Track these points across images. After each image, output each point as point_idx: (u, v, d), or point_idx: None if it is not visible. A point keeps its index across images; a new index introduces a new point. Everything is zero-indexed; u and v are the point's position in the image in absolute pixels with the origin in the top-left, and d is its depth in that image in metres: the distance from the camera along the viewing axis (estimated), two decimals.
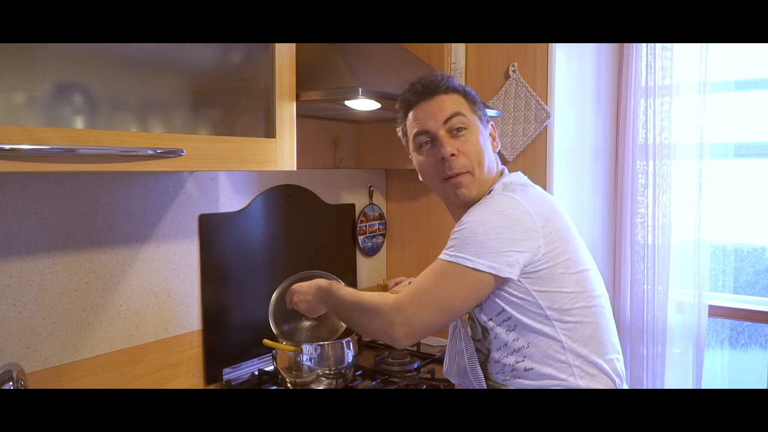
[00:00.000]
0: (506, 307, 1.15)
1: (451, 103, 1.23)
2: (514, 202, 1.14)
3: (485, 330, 1.19)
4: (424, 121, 1.23)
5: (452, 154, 1.20)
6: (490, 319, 1.18)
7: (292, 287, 1.41)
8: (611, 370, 1.18)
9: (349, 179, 2.06)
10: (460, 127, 1.22)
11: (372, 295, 1.22)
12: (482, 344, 1.21)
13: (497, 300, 1.15)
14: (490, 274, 1.09)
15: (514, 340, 1.16)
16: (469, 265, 1.09)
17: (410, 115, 1.26)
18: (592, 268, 1.23)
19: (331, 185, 1.99)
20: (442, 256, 1.14)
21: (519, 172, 1.30)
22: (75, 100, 1.01)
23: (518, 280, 1.12)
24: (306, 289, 1.37)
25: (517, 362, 1.16)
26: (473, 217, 1.14)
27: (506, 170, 1.30)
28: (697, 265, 2.09)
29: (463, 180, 1.21)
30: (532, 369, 1.15)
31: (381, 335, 1.19)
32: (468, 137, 1.22)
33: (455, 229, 1.15)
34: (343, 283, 1.39)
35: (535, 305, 1.13)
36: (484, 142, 1.24)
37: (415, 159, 1.28)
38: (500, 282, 1.12)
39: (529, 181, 1.27)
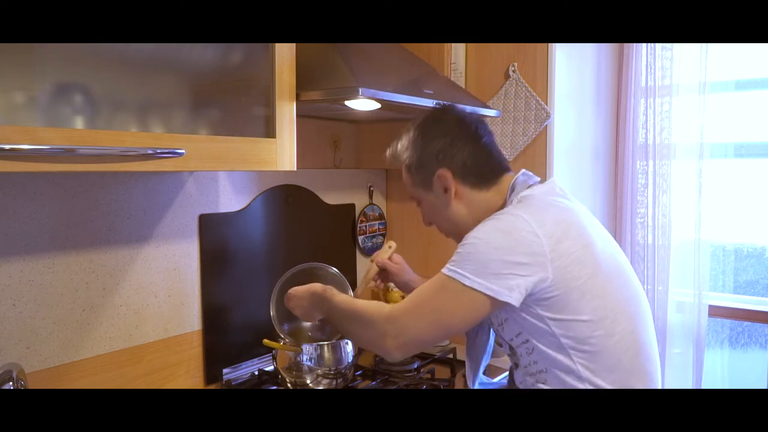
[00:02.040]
0: (523, 331, 1.11)
1: (405, 181, 1.28)
2: (523, 223, 1.07)
3: (512, 347, 1.18)
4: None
5: (429, 223, 1.28)
6: (511, 340, 1.15)
7: (288, 292, 1.39)
8: None
9: (349, 179, 2.06)
10: (418, 203, 1.28)
11: (367, 304, 1.19)
12: (513, 357, 1.20)
13: (514, 323, 1.12)
14: (487, 296, 1.04)
15: (533, 362, 1.13)
16: (467, 283, 1.04)
17: None
18: (621, 286, 1.13)
19: (331, 185, 1.99)
20: (443, 270, 1.09)
21: (537, 181, 1.21)
22: (75, 100, 1.00)
23: (531, 306, 1.07)
24: (301, 294, 1.35)
25: (536, 383, 1.14)
26: (479, 233, 1.09)
27: (520, 178, 1.20)
28: (697, 265, 2.10)
29: (450, 237, 1.25)
30: None
31: (373, 346, 1.16)
32: (426, 210, 1.27)
33: (462, 242, 1.10)
34: (340, 273, 1.39)
35: (549, 333, 1.07)
36: (439, 206, 1.22)
37: None
38: (501, 305, 1.06)
39: (551, 189, 1.19)
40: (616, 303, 1.10)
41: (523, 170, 1.23)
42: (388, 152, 1.29)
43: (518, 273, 1.03)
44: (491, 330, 1.27)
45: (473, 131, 1.21)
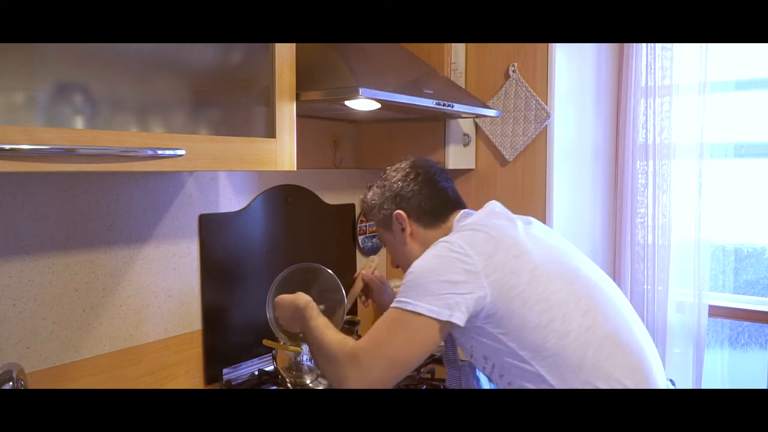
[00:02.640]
0: (488, 355, 1.14)
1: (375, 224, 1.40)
2: (454, 245, 1.13)
3: (488, 377, 1.21)
4: None
5: (396, 266, 1.38)
6: (484, 368, 1.18)
7: (276, 299, 1.41)
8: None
9: (349, 179, 2.06)
10: (384, 244, 1.40)
11: (333, 338, 1.19)
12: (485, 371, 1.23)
13: (479, 350, 1.15)
14: (431, 318, 1.08)
15: (508, 385, 1.15)
16: (410, 308, 1.09)
17: None
18: (567, 285, 1.14)
19: (331, 185, 1.99)
20: (392, 304, 1.14)
21: (479, 212, 1.28)
22: (75, 100, 1.00)
23: (483, 327, 1.11)
24: (286, 305, 1.36)
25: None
26: (417, 263, 1.15)
27: (462, 212, 1.30)
28: (697, 265, 2.10)
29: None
30: None
31: (335, 384, 1.17)
32: (389, 250, 1.39)
33: (404, 276, 1.17)
34: (335, 276, 1.45)
35: (507, 349, 1.10)
36: (398, 245, 1.33)
37: None
38: (448, 327, 1.09)
39: (489, 211, 1.27)
40: (562, 303, 1.11)
41: (465, 210, 1.32)
42: (361, 198, 1.42)
43: (456, 291, 1.08)
44: (476, 370, 1.29)
45: (430, 177, 1.32)
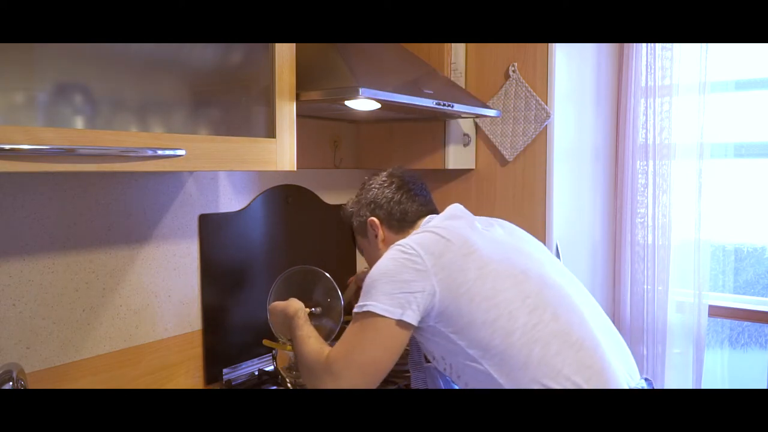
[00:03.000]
0: (444, 356, 1.17)
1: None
2: (405, 248, 1.17)
3: (452, 380, 1.24)
4: None
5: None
6: (444, 370, 1.20)
7: (271, 305, 1.43)
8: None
9: (349, 179, 2.06)
10: (362, 251, 1.47)
11: (312, 348, 1.22)
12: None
13: (438, 353, 1.18)
14: (387, 317, 1.11)
15: (466, 385, 1.18)
16: (367, 309, 1.13)
17: None
18: (517, 284, 1.15)
19: (331, 185, 1.99)
20: (354, 310, 1.17)
21: (440, 216, 1.32)
22: (75, 100, 1.00)
23: (435, 327, 1.14)
24: (278, 311, 1.38)
25: None
26: (373, 268, 1.19)
27: (426, 220, 1.34)
28: (697, 265, 2.10)
29: None
30: None
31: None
32: (365, 256, 1.44)
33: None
34: (332, 280, 1.47)
35: (459, 349, 1.13)
36: (371, 250, 1.39)
37: None
38: (404, 327, 1.12)
39: (448, 214, 1.30)
40: (509, 301, 1.13)
41: (431, 215, 1.35)
42: (342, 206, 1.50)
43: (407, 290, 1.12)
44: (443, 378, 1.30)
45: (404, 184, 1.38)
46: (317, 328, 1.54)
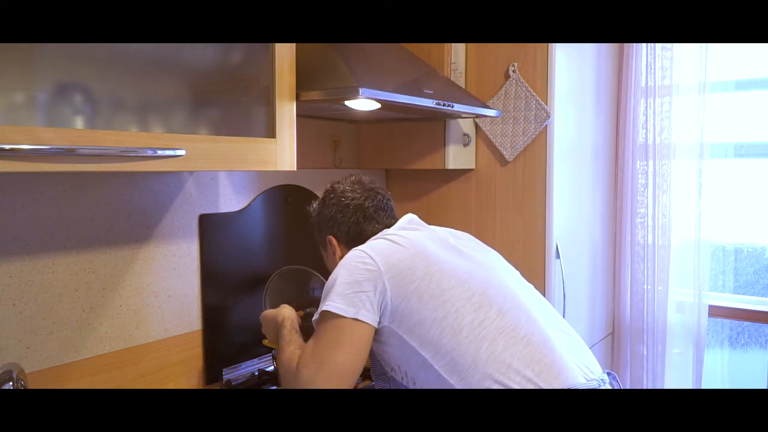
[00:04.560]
0: (400, 365, 1.18)
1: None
2: (358, 252, 1.21)
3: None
4: None
5: None
6: (402, 379, 1.20)
7: (262, 313, 1.43)
8: (530, 384, 1.09)
9: None
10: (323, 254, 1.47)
11: (288, 353, 1.22)
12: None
13: (394, 360, 1.19)
14: (345, 317, 1.13)
15: (414, 385, 1.18)
16: (326, 308, 1.14)
17: None
18: (463, 283, 1.17)
19: None
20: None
21: (396, 225, 1.34)
22: (75, 100, 1.01)
23: (390, 328, 1.15)
24: (269, 318, 1.39)
25: None
26: (329, 277, 1.21)
27: (380, 233, 1.34)
28: (697, 265, 2.10)
29: None
30: None
31: None
32: (326, 263, 1.45)
33: None
34: (321, 278, 1.47)
35: (412, 350, 1.14)
36: (330, 262, 1.40)
37: None
38: (362, 329, 1.14)
39: (400, 225, 1.33)
40: (456, 299, 1.15)
41: (385, 229, 1.35)
42: (307, 208, 1.49)
43: (360, 290, 1.15)
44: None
45: (362, 203, 1.37)
46: (310, 327, 1.55)
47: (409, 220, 1.37)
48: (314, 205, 1.46)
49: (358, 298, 1.14)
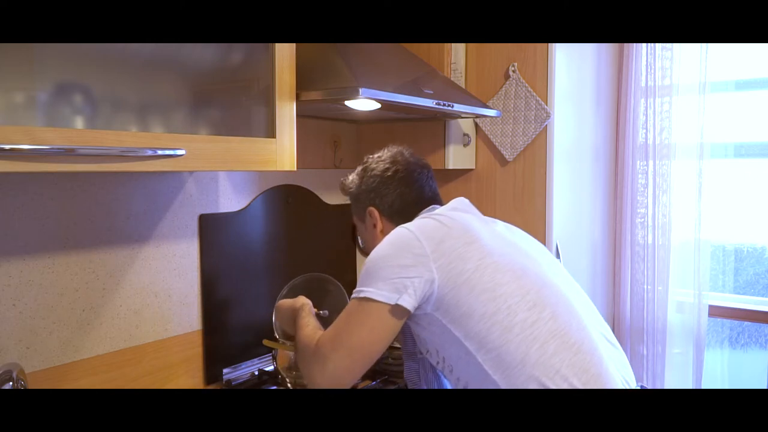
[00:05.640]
0: (438, 349, 1.15)
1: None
2: (405, 231, 1.15)
3: (439, 376, 1.23)
4: None
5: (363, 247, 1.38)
6: (438, 364, 1.18)
7: (277, 303, 1.41)
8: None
9: None
10: (355, 228, 1.44)
11: (306, 333, 1.20)
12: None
13: (431, 344, 1.16)
14: (382, 303, 1.09)
15: (457, 380, 1.15)
16: (363, 295, 1.10)
17: None
18: (516, 279, 1.13)
19: (331, 185, 1.99)
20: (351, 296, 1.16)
21: (445, 207, 1.29)
22: (75, 100, 1.01)
23: (432, 315, 1.11)
24: (286, 306, 1.36)
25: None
26: (372, 252, 1.17)
27: (427, 210, 1.30)
28: (697, 265, 2.10)
29: None
30: None
31: (305, 378, 1.18)
32: (360, 235, 1.42)
33: None
34: (341, 287, 1.44)
35: (454, 339, 1.10)
36: (368, 236, 1.36)
37: None
38: (399, 312, 1.10)
39: (452, 206, 1.28)
40: (508, 295, 1.10)
41: (432, 206, 1.31)
42: (341, 180, 1.43)
43: (405, 275, 1.10)
44: (436, 371, 1.28)
45: (408, 176, 1.32)
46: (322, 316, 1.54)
47: (460, 201, 1.30)
48: (352, 177, 1.40)
49: (401, 284, 1.09)
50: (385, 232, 1.28)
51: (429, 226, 1.16)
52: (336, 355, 1.10)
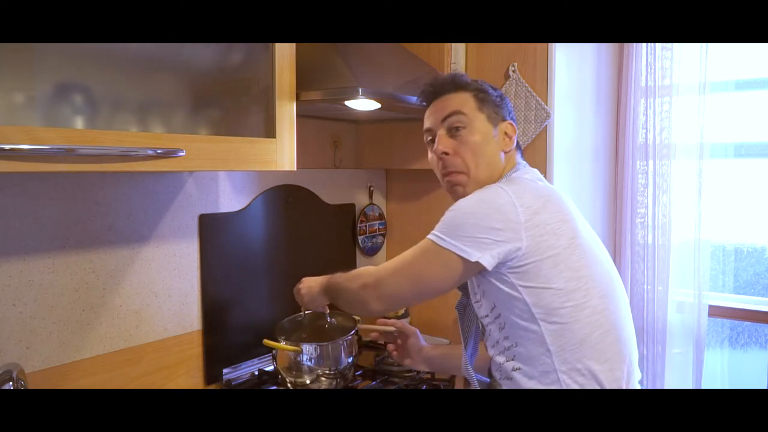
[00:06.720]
0: (497, 304, 1.16)
1: (455, 101, 1.26)
2: (501, 192, 1.13)
3: (484, 327, 1.22)
4: (428, 119, 1.31)
5: (445, 153, 1.25)
6: (486, 316, 1.19)
7: (303, 279, 1.43)
8: (610, 379, 1.13)
9: (349, 179, 2.06)
10: (458, 126, 1.24)
11: (357, 270, 1.27)
12: (486, 342, 1.23)
13: (489, 296, 1.17)
14: (459, 256, 1.10)
15: (504, 338, 1.17)
16: (441, 244, 1.11)
17: (426, 112, 1.33)
18: (596, 264, 1.17)
19: (331, 185, 1.99)
20: (428, 236, 1.16)
21: (534, 170, 1.29)
22: (75, 100, 1.01)
23: (504, 274, 1.12)
24: (313, 280, 1.39)
25: (506, 361, 1.17)
26: (461, 203, 1.16)
27: (521, 166, 1.29)
28: (697, 265, 2.09)
29: (457, 179, 1.25)
30: (519, 369, 1.15)
31: (356, 298, 1.22)
32: (465, 137, 1.24)
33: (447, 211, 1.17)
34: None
35: (521, 302, 1.11)
36: (485, 141, 1.24)
37: (429, 155, 1.33)
38: (473, 267, 1.11)
39: (537, 177, 1.27)
40: (589, 279, 1.14)
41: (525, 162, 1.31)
42: (447, 72, 1.37)
43: (492, 238, 1.09)
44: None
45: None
46: (330, 324, 1.56)
47: (541, 176, 1.30)
48: (490, 87, 1.31)
49: (486, 244, 1.09)
50: (509, 157, 1.28)
51: (527, 193, 1.15)
52: (394, 279, 1.16)
